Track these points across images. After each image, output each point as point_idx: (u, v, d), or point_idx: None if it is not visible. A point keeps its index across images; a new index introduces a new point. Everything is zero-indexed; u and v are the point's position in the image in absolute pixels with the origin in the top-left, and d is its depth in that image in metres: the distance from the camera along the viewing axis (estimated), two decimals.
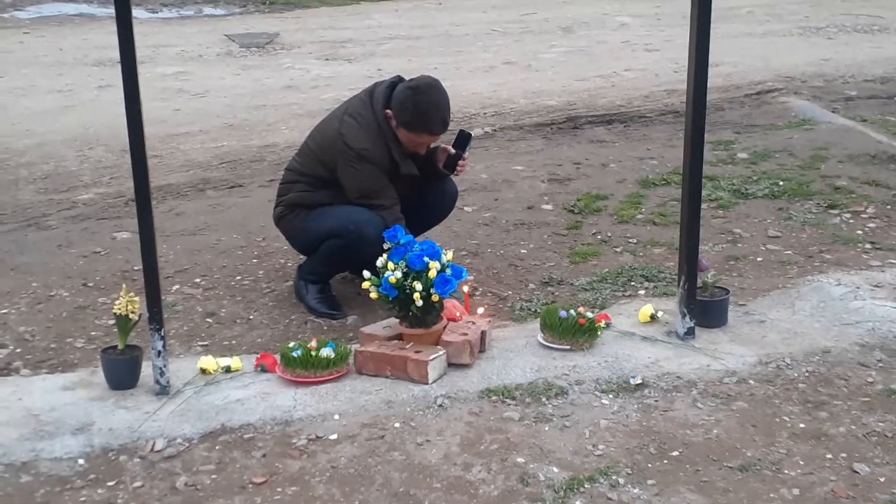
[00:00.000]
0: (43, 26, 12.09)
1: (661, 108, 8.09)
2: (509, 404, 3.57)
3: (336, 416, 3.50)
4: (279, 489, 3.12)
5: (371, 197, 4.42)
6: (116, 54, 3.41)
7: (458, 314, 4.10)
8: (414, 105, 4.30)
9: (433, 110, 4.32)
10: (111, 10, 3.46)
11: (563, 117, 7.91)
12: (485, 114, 8.09)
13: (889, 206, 5.61)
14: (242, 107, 8.46)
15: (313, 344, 3.76)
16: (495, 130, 7.63)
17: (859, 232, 5.26)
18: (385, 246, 3.94)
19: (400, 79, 4.48)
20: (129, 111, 3.45)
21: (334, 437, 3.38)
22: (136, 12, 12.06)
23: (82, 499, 3.10)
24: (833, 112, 7.74)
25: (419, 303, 3.78)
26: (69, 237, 5.59)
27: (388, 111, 4.37)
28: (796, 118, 7.58)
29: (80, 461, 3.27)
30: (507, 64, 9.87)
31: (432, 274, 3.79)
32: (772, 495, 3.04)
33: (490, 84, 9.04)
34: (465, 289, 4.29)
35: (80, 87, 9.05)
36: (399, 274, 3.80)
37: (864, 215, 5.49)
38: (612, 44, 10.58)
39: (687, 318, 3.99)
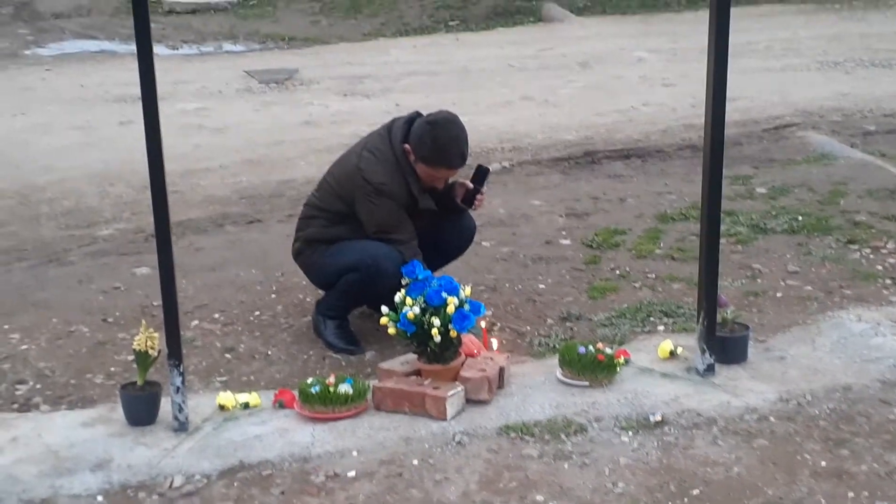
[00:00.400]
0: (64, 63, 12.22)
1: (679, 142, 8.09)
2: (528, 441, 3.55)
3: (354, 453, 3.49)
4: None
5: (389, 231, 4.43)
6: (137, 91, 3.44)
7: (475, 350, 4.09)
8: (433, 139, 4.32)
9: (452, 144, 4.34)
10: (132, 47, 3.50)
11: (580, 152, 7.93)
12: (502, 148, 8.12)
13: None
14: (261, 142, 8.51)
15: (331, 380, 3.76)
16: (513, 165, 7.65)
17: (879, 267, 5.23)
18: (403, 281, 3.94)
19: (418, 114, 4.51)
20: (149, 147, 3.48)
21: (352, 474, 3.37)
22: (157, 49, 12.19)
23: None
24: (852, 147, 7.72)
25: (437, 339, 3.77)
26: (89, 273, 5.62)
27: (406, 146, 4.39)
28: (815, 153, 7.56)
29: (99, 498, 3.27)
30: (525, 99, 9.91)
31: (450, 309, 3.79)
32: None
33: (507, 119, 9.07)
34: (483, 324, 4.28)
35: (101, 124, 9.13)
36: (417, 309, 3.80)
37: (883, 251, 5.46)
38: (630, 79, 10.61)
39: (707, 355, 3.96)
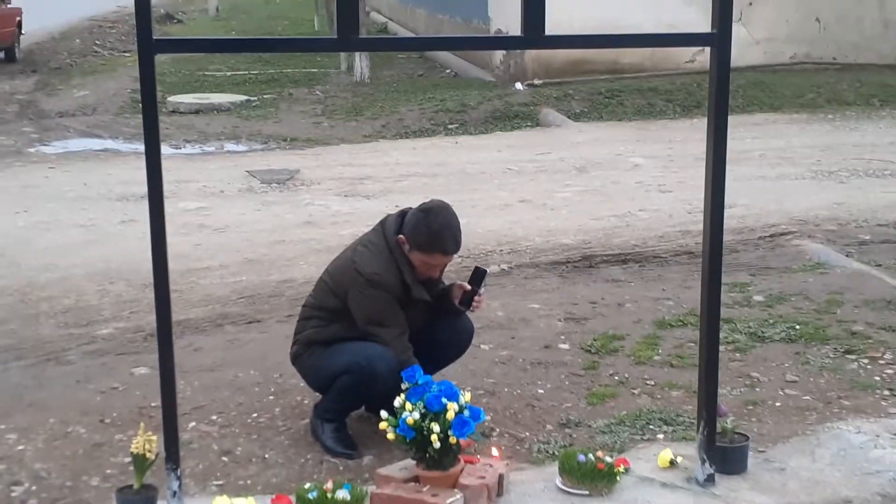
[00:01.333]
0: (68, 161, 12.33)
1: (676, 248, 8.15)
2: None
3: None
4: None
5: (380, 323, 4.46)
6: (140, 189, 3.51)
7: (476, 455, 4.07)
8: (426, 226, 4.40)
9: (445, 230, 4.42)
10: (136, 146, 3.58)
11: (578, 256, 7.98)
12: (500, 251, 8.17)
13: None
14: (262, 242, 8.57)
15: (329, 485, 3.74)
16: (511, 268, 7.69)
17: (877, 378, 5.24)
18: (403, 386, 3.95)
19: (410, 208, 4.59)
20: (154, 247, 3.53)
21: None
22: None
23: None
24: (847, 256, 7.77)
25: (436, 445, 3.77)
26: (88, 372, 5.61)
27: (400, 236, 4.46)
28: (811, 262, 7.61)
29: None
30: (523, 202, 10.00)
31: (450, 415, 3.79)
32: None
33: (505, 222, 9.14)
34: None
35: (103, 222, 9.18)
36: (417, 415, 3.81)
37: (881, 361, 5.47)
38: (626, 184, 10.73)
39: (707, 465, 3.95)
